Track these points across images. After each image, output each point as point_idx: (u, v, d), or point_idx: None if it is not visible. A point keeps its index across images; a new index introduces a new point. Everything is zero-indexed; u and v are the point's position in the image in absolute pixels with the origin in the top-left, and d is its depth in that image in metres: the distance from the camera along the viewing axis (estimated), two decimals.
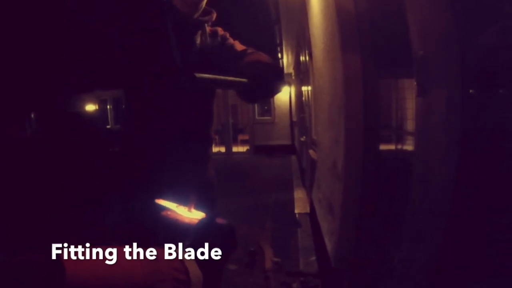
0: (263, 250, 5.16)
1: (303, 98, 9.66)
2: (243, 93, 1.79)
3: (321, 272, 4.44)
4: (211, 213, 1.87)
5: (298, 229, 6.30)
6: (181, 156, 1.81)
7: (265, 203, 8.56)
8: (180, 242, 1.05)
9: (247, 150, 20.18)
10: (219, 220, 1.22)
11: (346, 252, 3.09)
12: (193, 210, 1.31)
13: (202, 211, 1.31)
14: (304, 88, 9.37)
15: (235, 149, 20.06)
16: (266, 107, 20.22)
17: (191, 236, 1.11)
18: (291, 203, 8.10)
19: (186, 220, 1.25)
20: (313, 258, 4.99)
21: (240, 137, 22.20)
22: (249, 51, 1.99)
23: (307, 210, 6.88)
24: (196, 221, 1.22)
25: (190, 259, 1.01)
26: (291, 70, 16.60)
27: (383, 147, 2.98)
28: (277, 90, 1.89)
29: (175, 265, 0.95)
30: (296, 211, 7.37)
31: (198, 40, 1.93)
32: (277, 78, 1.84)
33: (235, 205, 8.05)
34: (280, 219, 7.13)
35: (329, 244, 3.65)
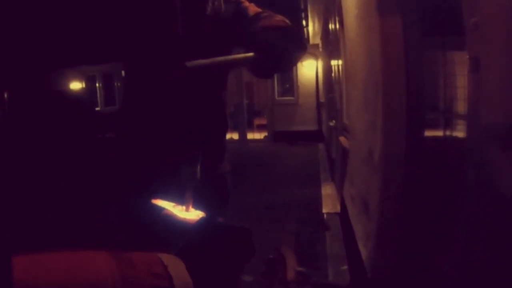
0: (285, 257, 5.18)
1: (333, 75, 9.64)
2: (253, 68, 1.78)
3: (354, 283, 4.46)
4: (222, 214, 1.89)
5: (327, 233, 6.32)
6: (188, 146, 1.82)
7: (286, 201, 8.59)
8: (174, 245, 1.07)
9: (265, 137, 20.17)
10: (222, 220, 1.24)
11: (385, 260, 3.11)
12: (191, 209, 1.33)
13: (206, 211, 1.33)
14: (333, 63, 9.35)
15: (250, 135, 20.04)
16: (287, 85, 20.14)
17: (186, 238, 1.13)
18: (318, 201, 8.13)
19: (183, 221, 1.27)
20: (345, 267, 5.02)
21: (257, 121, 22.17)
22: (264, 15, 1.98)
23: (337, 209, 6.89)
24: (193, 221, 1.24)
25: (177, 264, 1.02)
26: (318, 41, 16.53)
27: (429, 133, 2.98)
28: (293, 61, 1.87)
29: (155, 270, 0.96)
30: (324, 210, 7.40)
31: (209, 9, 1.93)
32: (292, 45, 1.82)
33: (250, 204, 8.08)
34: (304, 221, 7.16)
35: (364, 250, 3.67)
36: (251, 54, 1.68)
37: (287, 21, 1.92)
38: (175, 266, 1.00)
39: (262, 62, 1.71)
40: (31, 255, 0.86)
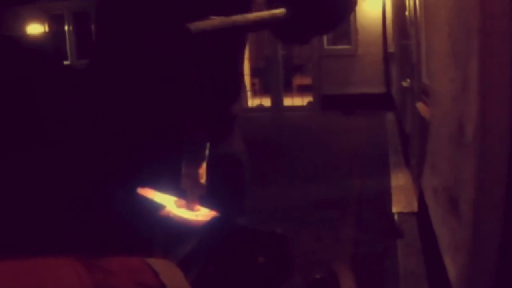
0: (338, 276, 5.20)
1: (407, 13, 9.60)
2: (283, 31, 1.76)
3: None
4: (238, 209, 1.90)
5: (398, 241, 6.33)
6: (186, 116, 1.81)
7: (341, 196, 8.61)
8: (174, 256, 1.07)
9: (309, 103, 20.15)
10: (243, 222, 1.24)
11: (483, 280, 3.10)
12: (198, 207, 1.32)
13: (217, 208, 1.32)
14: None
15: (288, 101, 20.02)
16: (341, 29, 20.00)
17: (190, 247, 1.12)
18: (385, 195, 8.13)
19: (187, 223, 1.26)
20: None
21: (297, 81, 22.15)
22: None
23: (414, 208, 6.90)
24: (201, 224, 1.23)
25: (172, 270, 1.03)
26: None
27: None
28: (340, 19, 1.85)
29: (142, 278, 0.98)
30: (394, 209, 7.41)
31: None
32: None
33: (288, 200, 8.10)
34: (366, 224, 7.18)
35: (452, 267, 3.67)
36: (280, 10, 1.64)
37: None
38: (170, 273, 1.02)
39: (292, 25, 1.67)
40: None
